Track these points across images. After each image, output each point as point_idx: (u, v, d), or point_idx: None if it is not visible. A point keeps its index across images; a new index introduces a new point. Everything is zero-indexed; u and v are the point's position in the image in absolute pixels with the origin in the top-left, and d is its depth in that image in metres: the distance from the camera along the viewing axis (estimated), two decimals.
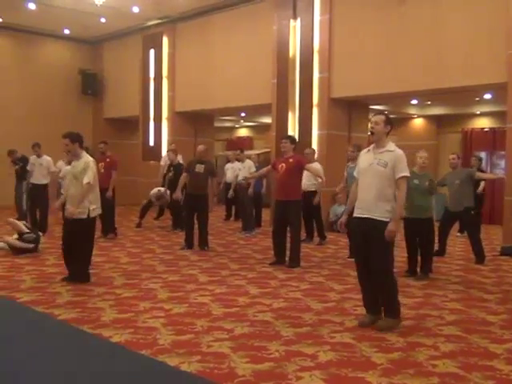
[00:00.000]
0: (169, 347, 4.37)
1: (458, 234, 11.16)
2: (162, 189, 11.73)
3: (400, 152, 5.00)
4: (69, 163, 7.47)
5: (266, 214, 13.31)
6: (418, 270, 7.36)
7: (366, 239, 4.96)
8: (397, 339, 4.65)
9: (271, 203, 10.92)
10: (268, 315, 5.34)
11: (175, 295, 6.10)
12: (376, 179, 4.94)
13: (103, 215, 10.17)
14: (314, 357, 4.19)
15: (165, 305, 5.67)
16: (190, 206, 9.34)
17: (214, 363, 4.02)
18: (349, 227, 5.91)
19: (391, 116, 15.97)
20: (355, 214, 5.09)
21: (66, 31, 16.70)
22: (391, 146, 5.04)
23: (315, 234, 10.34)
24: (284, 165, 7.95)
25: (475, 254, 8.54)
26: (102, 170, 10.38)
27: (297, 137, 11.93)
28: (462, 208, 8.39)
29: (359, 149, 7.43)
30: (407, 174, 4.99)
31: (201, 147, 9.70)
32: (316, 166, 10.03)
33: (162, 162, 13.13)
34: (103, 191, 10.04)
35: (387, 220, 4.89)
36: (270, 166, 8.49)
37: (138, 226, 12.08)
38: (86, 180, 6.62)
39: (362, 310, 5.39)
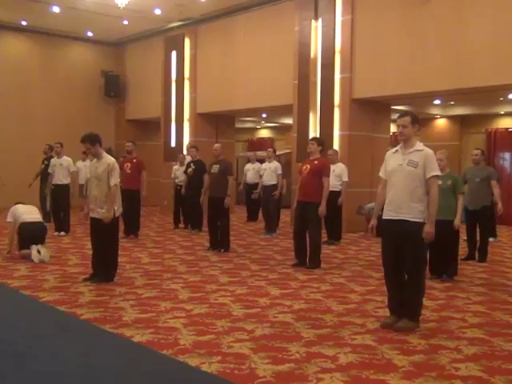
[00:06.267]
0: (189, 347, 4.38)
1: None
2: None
3: (430, 151, 4.98)
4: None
5: (286, 215, 13.29)
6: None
7: (398, 241, 4.91)
8: (419, 342, 4.60)
9: (291, 204, 10.87)
10: (288, 316, 5.33)
11: (196, 296, 6.11)
12: (407, 180, 4.90)
13: (128, 216, 10.35)
14: (335, 358, 4.17)
15: (185, 305, 5.69)
16: (210, 209, 9.36)
17: (234, 364, 4.03)
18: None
19: None
20: (386, 216, 5.03)
21: (89, 34, 16.93)
22: (419, 145, 5.02)
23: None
24: (308, 166, 7.93)
25: (480, 251, 8.50)
26: (129, 171, 10.39)
27: None
28: (479, 207, 8.32)
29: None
30: (438, 173, 4.98)
31: (216, 145, 9.62)
32: (340, 166, 10.04)
33: (173, 175, 12.28)
34: (130, 192, 10.19)
35: (421, 221, 4.86)
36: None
37: (185, 227, 11.99)
38: (113, 182, 6.62)
39: (383, 312, 5.36)
